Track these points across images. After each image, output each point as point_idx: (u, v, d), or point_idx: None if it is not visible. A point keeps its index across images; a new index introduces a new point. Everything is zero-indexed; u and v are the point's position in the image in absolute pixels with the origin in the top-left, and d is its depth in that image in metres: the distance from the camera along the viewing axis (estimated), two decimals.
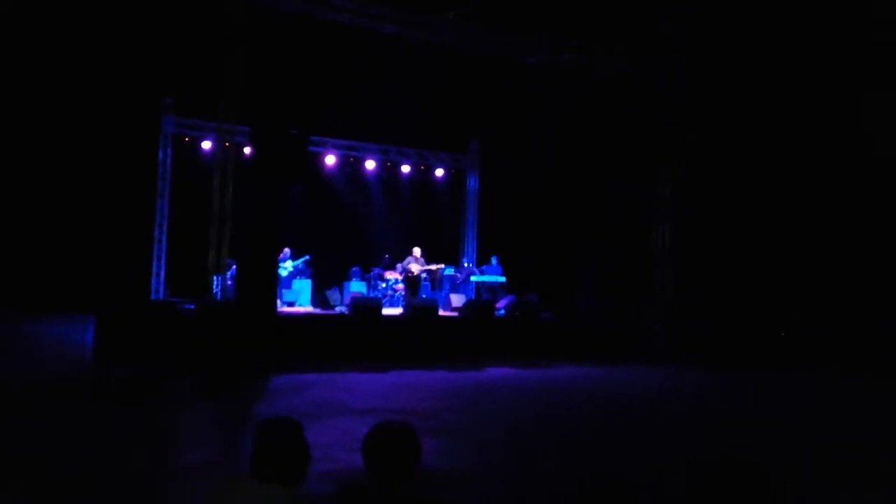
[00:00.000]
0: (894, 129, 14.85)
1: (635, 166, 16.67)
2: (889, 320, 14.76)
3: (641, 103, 16.39)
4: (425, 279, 17.59)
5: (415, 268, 16.25)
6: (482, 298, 17.05)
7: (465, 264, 18.77)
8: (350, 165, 18.92)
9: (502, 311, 16.21)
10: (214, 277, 14.26)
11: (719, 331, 15.49)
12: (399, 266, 16.79)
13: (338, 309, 15.61)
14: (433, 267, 16.89)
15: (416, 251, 16.60)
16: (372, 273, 17.57)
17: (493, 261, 18.06)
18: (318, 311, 15.75)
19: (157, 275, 16.09)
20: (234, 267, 14.30)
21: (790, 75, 15.76)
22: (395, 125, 17.91)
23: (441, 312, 15.27)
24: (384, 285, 17.47)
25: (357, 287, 17.10)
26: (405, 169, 19.50)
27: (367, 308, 13.91)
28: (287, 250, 16.39)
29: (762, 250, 16.33)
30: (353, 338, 13.22)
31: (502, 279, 17.77)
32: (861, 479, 6.45)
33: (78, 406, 8.59)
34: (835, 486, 6.18)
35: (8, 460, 6.11)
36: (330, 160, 18.38)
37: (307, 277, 16.94)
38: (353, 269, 17.66)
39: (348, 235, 18.62)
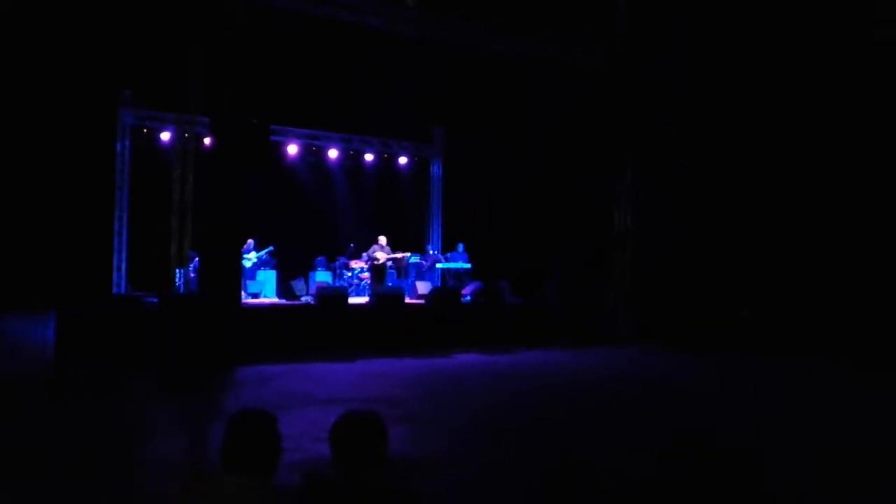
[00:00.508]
0: (847, 108, 15.12)
1: (599, 154, 16.80)
2: (854, 304, 15.00)
3: (604, 92, 16.52)
4: (391, 267, 17.58)
5: (381, 256, 16.25)
6: (448, 285, 17.09)
7: (431, 251, 18.79)
8: (313, 154, 18.80)
9: (468, 298, 16.27)
10: (177, 270, 14.14)
11: (681, 313, 15.71)
12: (364, 255, 16.77)
13: (303, 299, 15.52)
14: (399, 255, 16.90)
15: (382, 239, 16.60)
16: (337, 262, 17.52)
17: (460, 248, 18.14)
18: (283, 301, 15.66)
19: (119, 268, 15.87)
20: (197, 259, 14.17)
21: (747, 59, 15.96)
22: (358, 114, 17.84)
23: (407, 300, 15.27)
24: (350, 274, 17.43)
25: (322, 277, 17.02)
26: (369, 157, 19.42)
27: (333, 297, 13.86)
28: (251, 241, 16.26)
29: (723, 234, 16.56)
30: (319, 328, 13.18)
31: (467, 266, 17.84)
32: (818, 455, 6.62)
33: (40, 404, 8.47)
34: (795, 461, 6.33)
35: None
36: (292, 150, 18.24)
37: (272, 268, 16.82)
38: (318, 258, 17.58)
39: (312, 225, 18.55)
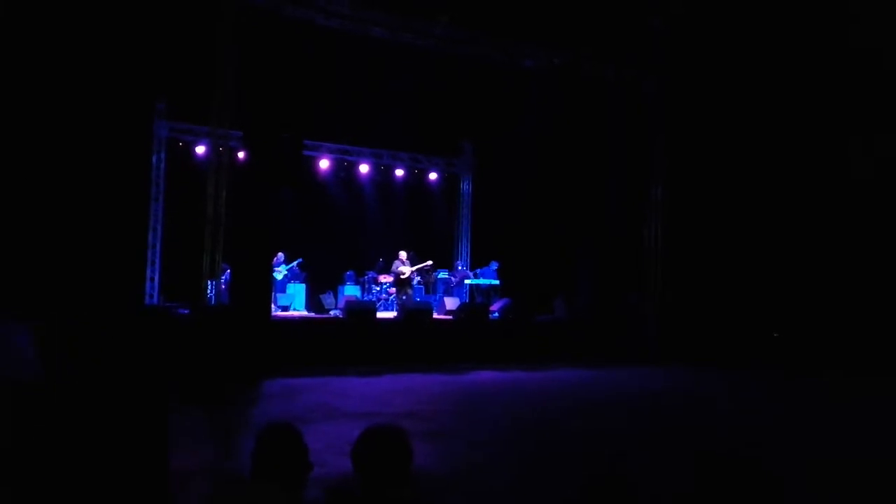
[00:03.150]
0: (882, 130, 14.92)
1: (629, 167, 16.70)
2: (883, 321, 14.78)
3: (634, 105, 16.43)
4: (418, 282, 17.60)
5: (405, 270, 16.16)
6: (476, 301, 17.07)
7: (459, 267, 18.81)
8: (344, 169, 18.93)
9: (496, 314, 16.22)
10: (209, 282, 14.24)
11: (712, 329, 15.52)
12: (392, 271, 16.78)
13: (332, 313, 15.62)
14: (421, 265, 16.71)
15: (402, 254, 16.45)
16: (366, 277, 17.58)
17: (493, 265, 18.08)
18: (312, 315, 15.75)
19: (152, 279, 16.06)
20: (229, 271, 14.28)
21: (779, 75, 15.82)
22: (389, 129, 17.88)
23: (435, 315, 15.27)
24: (378, 289, 17.47)
25: (351, 291, 17.09)
26: (399, 173, 19.52)
27: (361, 312, 13.92)
28: (281, 254, 16.37)
29: (755, 250, 16.39)
30: (347, 341, 13.22)
31: (496, 282, 17.79)
32: (856, 479, 6.48)
33: (72, 410, 8.55)
34: (831, 485, 6.20)
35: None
36: (324, 164, 18.38)
37: (301, 282, 16.92)
38: (348, 273, 17.66)
39: (342, 239, 18.63)
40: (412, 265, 16.42)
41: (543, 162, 17.37)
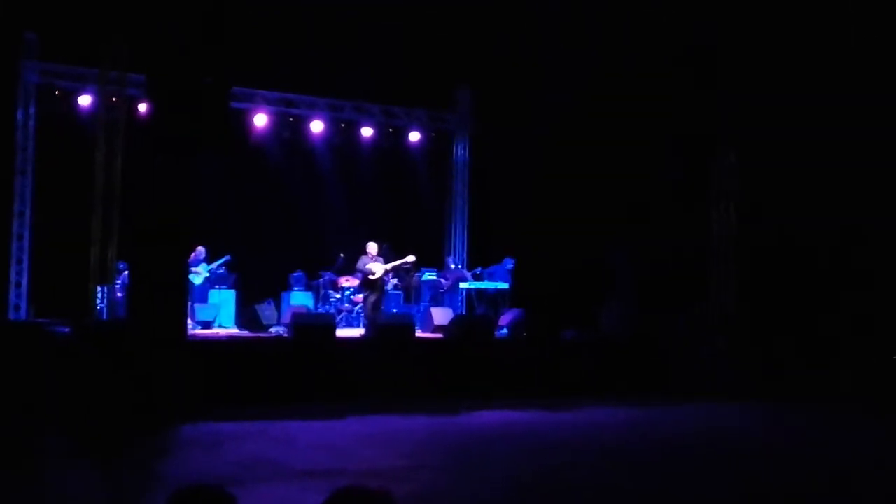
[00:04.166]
0: None
1: (688, 126, 16.68)
2: None
3: (692, 34, 16.42)
4: (395, 286, 17.58)
5: (376, 268, 16.05)
6: (476, 313, 17.08)
7: (452, 265, 18.80)
8: (289, 128, 18.87)
9: (505, 331, 16.23)
10: (98, 288, 14.23)
11: (801, 352, 15.56)
12: (357, 270, 16.67)
13: (273, 330, 15.61)
14: (399, 262, 16.53)
15: (371, 248, 16.44)
16: (321, 280, 17.58)
17: (507, 263, 18.14)
18: (245, 333, 15.74)
19: (18, 284, 16.01)
20: (126, 273, 14.26)
21: None
22: (352, 71, 17.87)
23: (419, 333, 15.25)
24: (338, 297, 17.49)
25: (300, 299, 17.09)
26: (366, 132, 19.51)
27: (314, 328, 13.92)
28: (201, 249, 16.36)
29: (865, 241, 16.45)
30: (295, 370, 13.20)
31: (504, 286, 17.80)
32: None
33: None
34: None
35: None
36: (260, 121, 18.34)
37: (229, 287, 16.91)
38: (295, 274, 17.66)
39: (287, 227, 18.66)
40: (385, 262, 16.38)
41: (570, 119, 17.32)
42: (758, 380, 15.41)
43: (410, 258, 16.69)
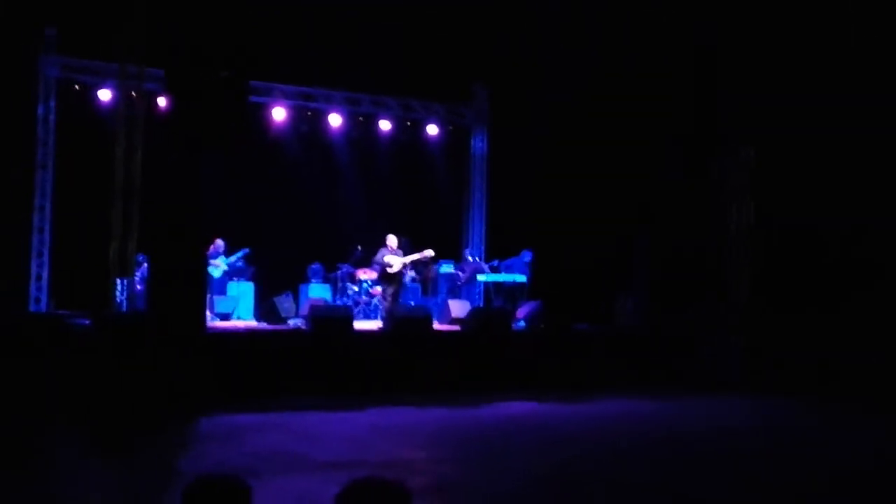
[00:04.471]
0: None
1: (706, 122, 16.62)
2: None
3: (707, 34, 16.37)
4: (413, 279, 17.57)
5: (394, 261, 16.06)
6: (493, 305, 17.05)
7: (470, 258, 18.77)
8: (307, 122, 18.89)
9: (522, 323, 16.22)
10: (118, 281, 14.29)
11: (820, 345, 15.46)
12: (375, 263, 16.63)
13: (291, 322, 15.62)
14: (418, 256, 16.58)
15: (391, 240, 16.29)
16: (339, 272, 17.58)
17: (525, 256, 18.12)
18: (263, 325, 15.75)
19: (39, 278, 16.09)
20: (145, 266, 14.31)
21: None
22: (370, 65, 17.85)
23: (436, 325, 15.27)
24: (356, 289, 17.48)
25: (318, 292, 17.11)
26: (384, 126, 19.51)
27: (332, 321, 13.94)
28: (220, 242, 16.37)
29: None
30: (313, 363, 13.22)
31: (522, 278, 17.81)
32: None
33: None
34: None
35: None
36: (279, 115, 18.37)
37: (248, 279, 16.92)
38: (313, 266, 17.66)
39: (305, 220, 18.66)
40: (404, 255, 16.34)
41: (587, 113, 17.28)
42: (771, 375, 15.36)
43: (429, 252, 16.59)
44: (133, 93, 14.29)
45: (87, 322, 12.40)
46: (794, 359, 15.44)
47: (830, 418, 13.06)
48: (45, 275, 16.16)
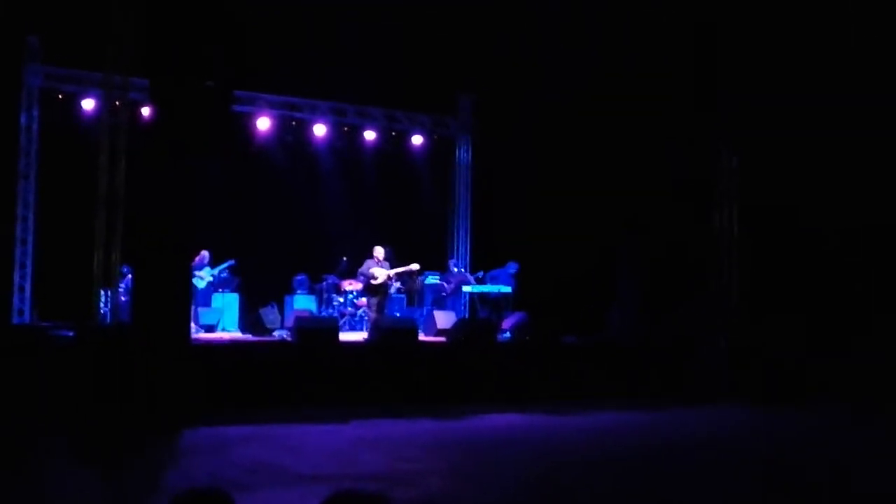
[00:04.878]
0: None
1: (691, 126, 16.63)
2: None
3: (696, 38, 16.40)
4: (399, 290, 17.56)
5: (379, 273, 16.08)
6: (479, 317, 17.03)
7: (455, 269, 18.77)
8: (292, 132, 18.88)
9: (508, 335, 16.20)
10: (102, 292, 14.20)
11: (808, 353, 15.51)
12: (360, 274, 16.60)
13: (276, 334, 15.57)
14: (404, 269, 16.67)
15: (378, 252, 16.35)
16: (324, 283, 17.56)
17: (511, 267, 18.12)
18: (248, 337, 15.70)
19: (21, 289, 15.99)
20: (129, 277, 14.24)
21: None
22: (355, 75, 17.84)
23: (422, 337, 15.23)
24: (341, 300, 17.46)
25: (303, 303, 17.07)
26: (369, 136, 19.50)
27: (317, 332, 13.92)
28: (205, 253, 16.34)
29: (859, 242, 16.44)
30: (298, 375, 13.17)
31: (507, 289, 17.79)
32: None
33: None
34: None
35: None
36: (263, 124, 18.33)
37: (233, 290, 16.88)
38: (298, 277, 17.63)
39: (290, 231, 18.65)
40: (390, 266, 16.39)
41: (573, 122, 17.29)
42: (761, 381, 15.38)
43: (415, 266, 16.67)
44: (117, 102, 14.22)
45: (71, 334, 12.32)
46: (783, 365, 15.47)
47: (822, 424, 13.08)
48: (27, 286, 16.05)
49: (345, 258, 17.50)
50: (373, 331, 15.27)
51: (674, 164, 16.86)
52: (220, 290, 16.77)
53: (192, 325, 14.21)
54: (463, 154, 20.42)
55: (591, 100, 17.05)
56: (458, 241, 20.28)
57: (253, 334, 15.78)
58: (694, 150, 16.77)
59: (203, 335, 15.26)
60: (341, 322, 16.45)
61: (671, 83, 16.53)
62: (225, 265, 16.56)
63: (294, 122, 18.86)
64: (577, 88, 16.76)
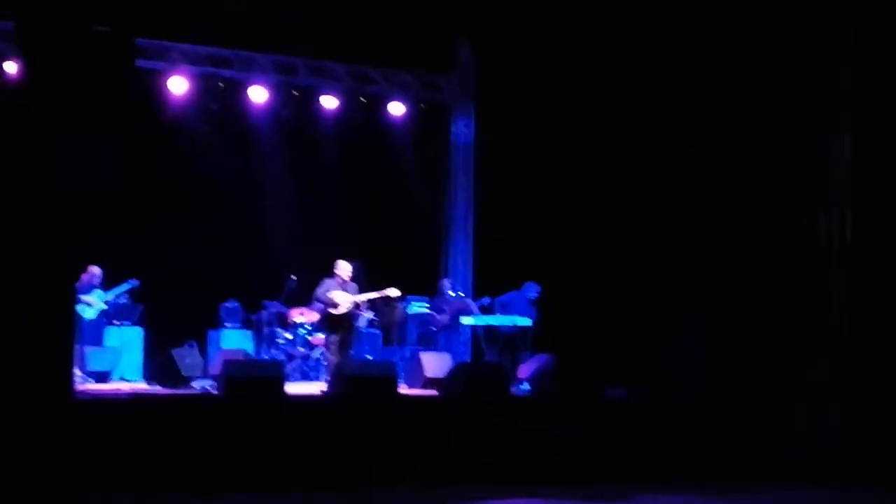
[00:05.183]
0: None
1: (783, 101, 16.55)
2: None
3: None
4: (370, 322, 17.48)
5: (342, 299, 15.98)
6: (485, 360, 16.93)
7: (451, 293, 18.69)
8: (218, 96, 18.89)
9: (527, 386, 16.06)
10: None
11: None
12: (316, 299, 16.47)
13: (196, 385, 15.47)
14: (378, 294, 16.60)
15: (342, 268, 16.27)
16: (264, 313, 17.51)
17: (530, 290, 18.03)
18: (156, 389, 15.60)
19: None
20: None
21: None
22: (309, 17, 17.76)
23: (403, 389, 15.16)
24: (289, 337, 17.38)
25: (235, 341, 17.02)
26: (328, 103, 19.52)
27: (254, 383, 13.83)
28: (94, 270, 16.28)
29: None
30: (225, 443, 13.01)
31: (527, 322, 17.70)
32: None
33: None
34: None
35: None
36: (178, 86, 18.31)
37: (135, 323, 16.80)
38: (227, 304, 17.57)
39: (216, 239, 18.65)
40: (359, 290, 16.30)
41: (611, 86, 17.18)
42: (877, 458, 15.22)
43: (393, 291, 16.52)
44: None
45: None
46: None
47: None
48: None
49: (293, 277, 17.54)
50: (334, 380, 15.11)
51: (769, 155, 16.74)
52: (117, 321, 16.72)
53: (77, 371, 14.07)
54: (461, 129, 20.42)
55: (645, 55, 16.94)
56: (454, 254, 20.27)
57: (163, 385, 15.69)
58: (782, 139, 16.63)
59: (92, 387, 15.17)
60: (288, 368, 16.39)
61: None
62: (124, 287, 16.53)
63: (222, 84, 18.87)
64: (628, 37, 16.68)
